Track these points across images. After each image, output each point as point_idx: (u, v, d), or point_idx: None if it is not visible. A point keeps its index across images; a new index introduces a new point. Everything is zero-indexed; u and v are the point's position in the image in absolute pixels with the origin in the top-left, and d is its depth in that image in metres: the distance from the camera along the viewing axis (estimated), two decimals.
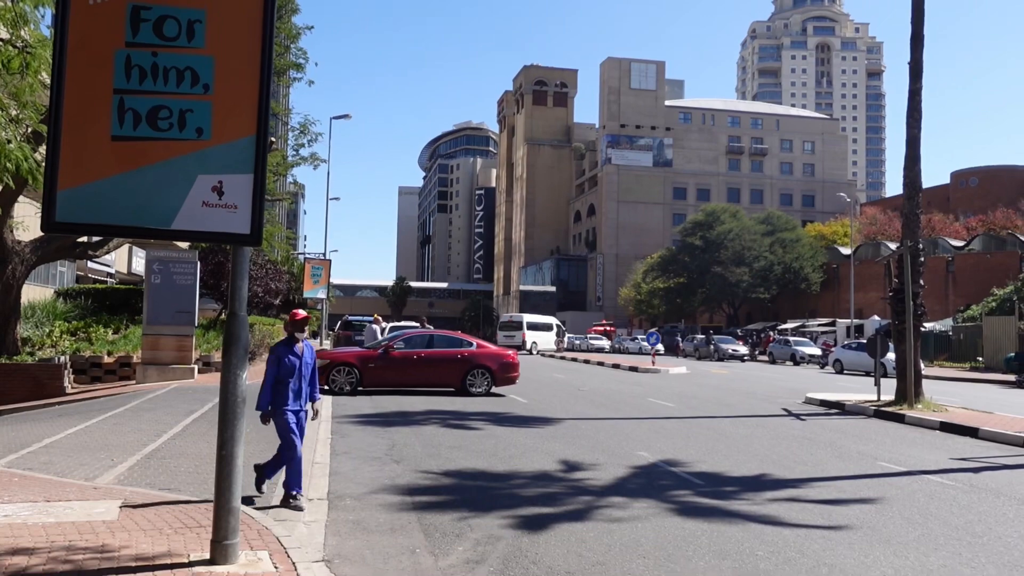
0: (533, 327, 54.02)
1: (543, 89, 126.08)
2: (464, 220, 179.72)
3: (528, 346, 51.02)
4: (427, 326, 23.41)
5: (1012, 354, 36.95)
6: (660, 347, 53.79)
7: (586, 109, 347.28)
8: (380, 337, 22.68)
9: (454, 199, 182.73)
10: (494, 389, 20.10)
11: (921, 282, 18.67)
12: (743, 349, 50.34)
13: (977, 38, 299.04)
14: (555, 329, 55.15)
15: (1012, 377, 32.61)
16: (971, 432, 14.58)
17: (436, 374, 19.24)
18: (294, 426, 7.69)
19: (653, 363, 34.96)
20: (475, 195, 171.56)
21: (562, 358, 47.26)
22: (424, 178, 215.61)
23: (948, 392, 24.39)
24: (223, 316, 29.11)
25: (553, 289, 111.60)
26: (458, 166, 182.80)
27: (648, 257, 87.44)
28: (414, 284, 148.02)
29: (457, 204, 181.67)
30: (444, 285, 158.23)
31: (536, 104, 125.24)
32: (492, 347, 20.35)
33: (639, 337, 64.50)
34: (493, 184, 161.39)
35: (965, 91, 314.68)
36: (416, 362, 19.23)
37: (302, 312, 7.89)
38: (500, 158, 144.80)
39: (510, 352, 20.23)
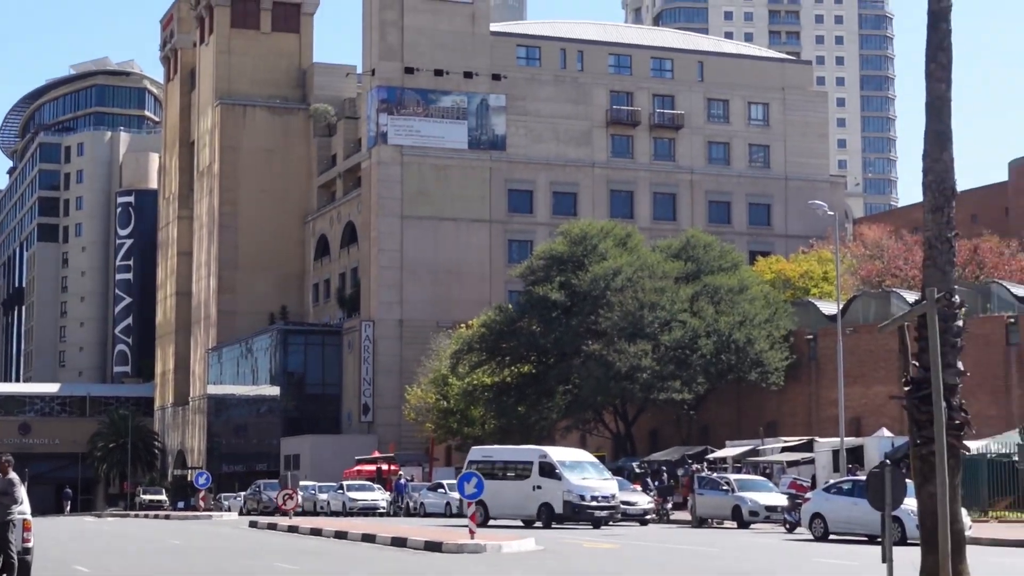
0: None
1: None
2: (95, 256, 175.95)
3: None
4: (11, 474, 22.03)
5: None
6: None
7: (337, 39, 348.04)
8: None
9: (72, 213, 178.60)
10: None
11: (960, 365, 19.43)
12: (643, 500, 51.07)
13: None
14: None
15: None
16: None
17: None
18: None
19: (472, 534, 34.96)
20: (116, 206, 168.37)
21: (290, 529, 46.67)
22: (10, 172, 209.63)
23: (1016, 570, 25.53)
24: None
25: (276, 392, 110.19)
26: (80, 148, 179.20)
27: (462, 326, 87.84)
28: None
29: (79, 224, 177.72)
30: (54, 389, 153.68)
31: (240, 26, 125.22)
32: None
33: (446, 484, 64.24)
34: (153, 184, 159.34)
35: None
36: None
37: None
38: (167, 131, 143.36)
39: None
